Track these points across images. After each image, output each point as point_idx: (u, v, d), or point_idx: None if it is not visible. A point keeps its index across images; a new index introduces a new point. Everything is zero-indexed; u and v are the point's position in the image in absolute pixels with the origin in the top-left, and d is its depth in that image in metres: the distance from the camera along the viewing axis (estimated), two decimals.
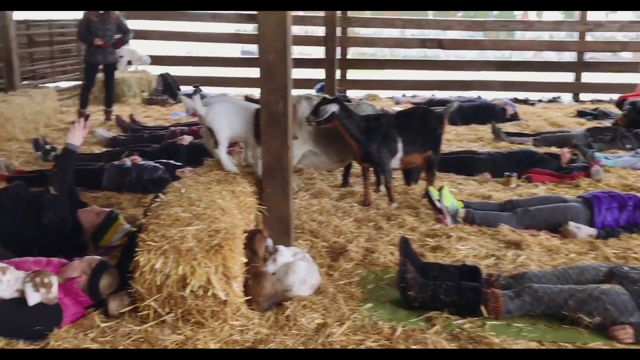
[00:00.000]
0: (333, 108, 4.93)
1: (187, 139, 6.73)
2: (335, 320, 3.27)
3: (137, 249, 3.17)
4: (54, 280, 3.08)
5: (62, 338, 3.00)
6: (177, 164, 5.98)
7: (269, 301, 3.41)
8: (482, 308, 3.38)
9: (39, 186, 4.36)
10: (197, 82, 12.25)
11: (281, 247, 3.75)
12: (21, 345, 2.94)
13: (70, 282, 3.25)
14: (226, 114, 4.17)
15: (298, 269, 3.58)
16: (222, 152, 4.16)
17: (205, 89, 11.96)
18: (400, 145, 5.20)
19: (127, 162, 5.87)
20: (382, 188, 5.61)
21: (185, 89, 12.18)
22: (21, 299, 3.01)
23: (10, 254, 3.51)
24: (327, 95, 5.37)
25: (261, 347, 3.01)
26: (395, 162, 5.25)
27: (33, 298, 2.99)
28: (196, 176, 4.12)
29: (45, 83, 11.65)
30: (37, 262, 3.38)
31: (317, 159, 5.46)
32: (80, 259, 3.44)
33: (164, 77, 12.24)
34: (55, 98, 9.96)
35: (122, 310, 3.22)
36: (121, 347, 2.96)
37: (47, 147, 6.96)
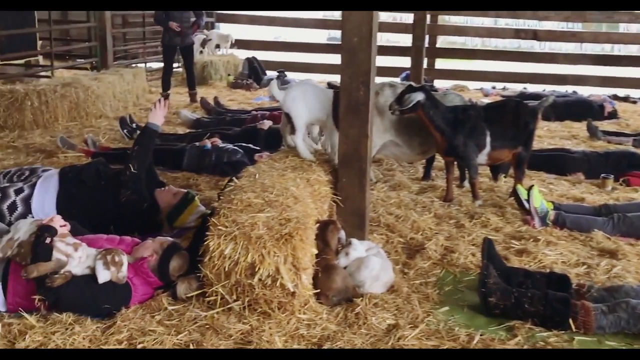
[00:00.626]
0: (418, 97, 4.68)
1: (266, 124, 6.69)
2: (407, 322, 3.08)
3: (207, 233, 3.11)
4: (125, 259, 3.06)
5: (128, 318, 2.98)
6: (256, 148, 5.93)
7: (339, 296, 3.26)
8: (571, 321, 3.09)
9: (121, 164, 4.41)
10: (282, 67, 12.25)
11: (354, 241, 3.59)
12: (89, 322, 2.93)
13: (140, 262, 3.23)
14: (304, 98, 4.04)
15: (371, 264, 3.41)
16: (298, 139, 4.03)
17: (290, 74, 11.97)
18: (488, 140, 4.89)
19: (208, 144, 5.89)
20: (466, 184, 5.32)
21: (271, 73, 12.24)
22: (92, 276, 3.00)
23: (85, 231, 3.53)
24: (412, 84, 5.13)
25: (328, 344, 2.87)
26: (482, 158, 4.95)
27: (103, 276, 2.97)
28: (271, 162, 4.03)
29: (136, 63, 12.02)
30: (110, 240, 3.39)
31: (398, 150, 5.24)
32: (153, 238, 3.43)
33: (250, 61, 12.33)
34: (145, 78, 10.21)
35: (190, 295, 3.17)
36: (178, 339, 2.90)
37: (133, 125, 7.10)
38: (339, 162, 3.82)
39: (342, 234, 3.61)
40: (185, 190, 4.36)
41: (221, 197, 3.50)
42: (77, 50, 12.52)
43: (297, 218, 3.14)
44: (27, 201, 4.05)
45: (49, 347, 2.69)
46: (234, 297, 3.07)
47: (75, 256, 3.01)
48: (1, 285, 3.04)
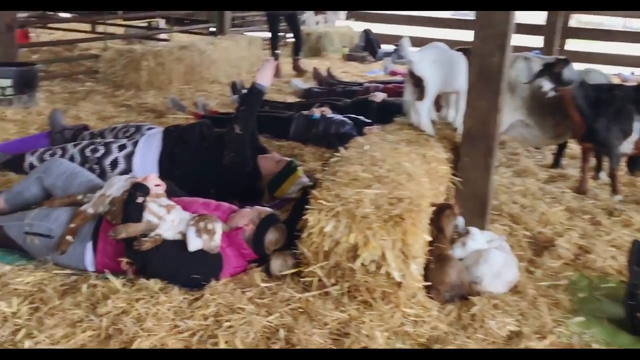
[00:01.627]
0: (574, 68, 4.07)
1: (379, 96, 6.29)
2: (533, 331, 2.61)
3: (307, 207, 2.77)
4: (219, 227, 2.79)
5: (217, 292, 2.72)
6: (367, 120, 5.55)
7: (452, 292, 2.84)
8: None
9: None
10: (399, 40, 11.72)
11: (474, 230, 3.13)
12: (176, 292, 2.70)
13: (235, 231, 2.96)
14: (444, 63, 3.59)
15: (492, 259, 2.94)
16: (424, 107, 3.58)
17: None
18: (636, 125, 4.20)
19: (316, 113, 5.58)
20: (603, 175, 4.65)
21: (386, 47, 11.79)
22: (183, 243, 2.76)
23: (182, 193, 3.32)
24: (554, 57, 4.49)
25: (437, 346, 2.47)
26: (626, 146, 4.26)
27: (194, 243, 2.73)
28: (383, 133, 3.62)
29: (252, 31, 11.95)
30: (206, 205, 3.14)
31: (528, 132, 4.65)
32: (251, 207, 3.16)
33: (367, 34, 11.92)
34: (260, 46, 10.08)
35: (285, 272, 2.86)
36: (272, 317, 2.59)
37: (244, 91, 6.95)
38: (463, 139, 3.36)
39: (460, 220, 3.17)
40: (289, 159, 4.08)
41: (325, 169, 3.14)
42: (196, 15, 12.64)
43: (410, 198, 2.73)
44: (129, 158, 3.93)
45: (130, 316, 2.48)
46: (332, 280, 2.72)
47: (167, 219, 2.79)
48: (91, 243, 2.88)
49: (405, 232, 2.60)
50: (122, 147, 3.96)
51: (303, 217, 2.76)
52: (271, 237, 2.98)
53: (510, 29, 3.14)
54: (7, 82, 5.47)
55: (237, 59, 9.00)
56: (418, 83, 3.59)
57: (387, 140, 3.43)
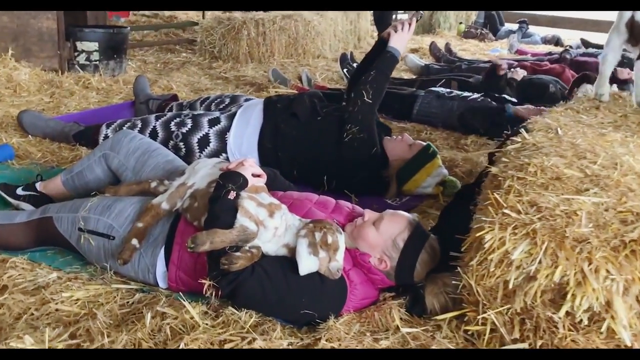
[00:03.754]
0: None
1: (520, 73, 5.24)
2: None
3: (480, 217, 1.81)
4: (342, 240, 1.89)
5: (337, 337, 1.81)
6: (512, 99, 4.49)
7: None
8: None
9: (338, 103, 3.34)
10: (524, 17, 10.53)
11: None
12: (277, 332, 1.83)
13: (361, 254, 2.03)
14: None
15: None
16: None
17: (532, 28, 10.31)
18: None
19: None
20: None
21: (509, 25, 10.60)
22: (290, 261, 1.88)
23: (289, 185, 2.44)
24: None
25: None
26: None
27: (307, 264, 1.83)
28: (572, 112, 2.57)
29: None
30: (322, 204, 2.21)
31: None
32: (377, 215, 2.09)
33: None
34: (370, 20, 9.18)
35: (443, 317, 1.91)
36: None
37: (354, 65, 6.06)
38: None
39: None
40: (425, 143, 3.13)
41: (500, 160, 2.13)
42: None
43: None
44: (222, 136, 3.13)
45: None
46: (516, 334, 1.75)
47: (269, 225, 1.90)
48: (164, 250, 2.06)
49: None
50: (214, 122, 3.16)
51: (472, 232, 1.80)
52: (420, 268, 2.02)
53: None
54: (93, 46, 4.84)
55: (344, 32, 8.21)
56: None
57: (583, 122, 2.38)
